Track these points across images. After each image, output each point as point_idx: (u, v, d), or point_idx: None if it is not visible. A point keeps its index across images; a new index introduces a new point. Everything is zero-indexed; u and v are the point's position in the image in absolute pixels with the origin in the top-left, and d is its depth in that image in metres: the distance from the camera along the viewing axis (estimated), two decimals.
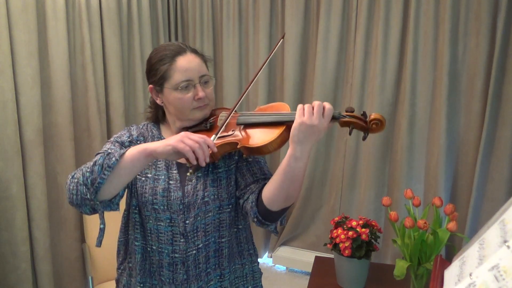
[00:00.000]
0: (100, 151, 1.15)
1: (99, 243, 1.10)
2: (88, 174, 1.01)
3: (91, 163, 1.03)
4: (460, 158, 2.53)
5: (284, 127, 1.06)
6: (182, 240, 1.16)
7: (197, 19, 3.05)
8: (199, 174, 1.19)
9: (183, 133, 1.02)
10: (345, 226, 1.62)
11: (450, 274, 0.80)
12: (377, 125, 1.03)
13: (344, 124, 1.05)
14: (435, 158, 2.54)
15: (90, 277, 2.06)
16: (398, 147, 2.65)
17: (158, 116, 1.28)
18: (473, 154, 2.46)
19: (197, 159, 0.99)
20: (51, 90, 2.26)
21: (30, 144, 2.11)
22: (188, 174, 1.01)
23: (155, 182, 1.18)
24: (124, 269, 1.29)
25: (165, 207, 1.16)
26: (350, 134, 1.05)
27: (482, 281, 0.61)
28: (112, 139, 1.22)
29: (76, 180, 1.04)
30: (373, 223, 1.65)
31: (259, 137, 1.08)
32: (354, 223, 1.61)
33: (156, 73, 1.16)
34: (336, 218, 1.71)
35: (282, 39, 1.26)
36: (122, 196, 1.11)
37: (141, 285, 1.23)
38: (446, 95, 2.43)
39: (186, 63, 1.14)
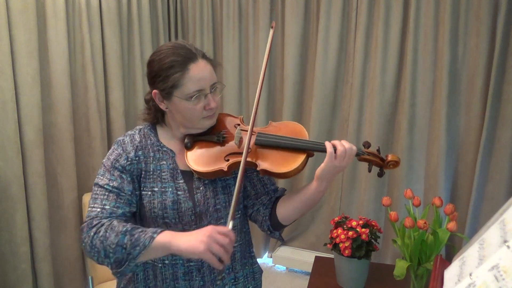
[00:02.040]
0: (99, 183, 1.11)
1: None
2: (111, 254, 1.01)
3: (114, 240, 1.00)
4: (460, 158, 2.53)
5: (305, 155, 1.10)
6: None
7: (197, 19, 3.05)
8: (206, 181, 1.16)
9: (208, 234, 0.96)
10: (345, 226, 1.62)
11: (450, 274, 0.80)
12: (394, 166, 1.14)
13: (362, 160, 1.14)
14: (435, 158, 2.54)
15: (90, 277, 2.06)
16: (398, 147, 2.65)
17: (157, 118, 1.22)
18: (473, 154, 2.46)
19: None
20: (51, 90, 2.26)
21: (30, 144, 2.11)
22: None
23: (163, 195, 1.13)
24: (128, 283, 1.23)
25: (177, 220, 1.13)
26: (369, 171, 1.14)
27: (482, 281, 0.61)
28: (109, 164, 1.13)
29: (97, 250, 1.02)
30: (373, 223, 1.65)
31: (279, 162, 1.10)
32: (354, 223, 1.61)
33: (167, 81, 1.08)
34: (336, 218, 1.71)
35: (272, 29, 1.20)
36: None
37: None
38: (446, 95, 2.43)
39: (199, 72, 1.08)
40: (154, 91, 1.13)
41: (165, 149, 1.18)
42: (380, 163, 1.14)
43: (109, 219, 1.06)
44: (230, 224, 1.01)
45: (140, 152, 1.16)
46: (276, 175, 1.10)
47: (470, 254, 0.76)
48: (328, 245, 1.67)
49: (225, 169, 1.10)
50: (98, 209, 1.08)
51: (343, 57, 2.76)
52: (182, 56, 1.08)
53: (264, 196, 1.20)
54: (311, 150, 1.11)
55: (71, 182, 2.35)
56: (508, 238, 0.65)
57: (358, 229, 1.59)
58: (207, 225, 1.12)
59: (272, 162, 1.10)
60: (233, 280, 1.24)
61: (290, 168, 1.08)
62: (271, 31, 1.18)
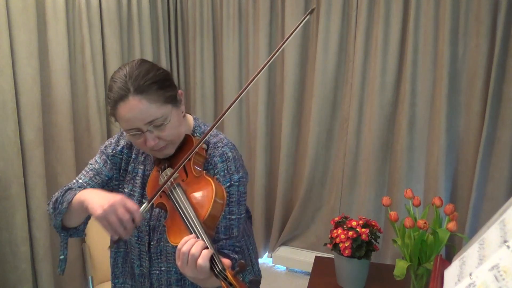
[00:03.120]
0: (89, 161, 1.21)
1: (61, 272, 1.14)
2: (51, 210, 1.10)
3: (58, 194, 1.11)
4: (460, 158, 2.53)
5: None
6: (147, 258, 1.17)
7: (197, 19, 3.05)
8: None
9: (112, 202, 0.93)
10: (345, 226, 1.62)
11: (450, 274, 0.80)
12: None
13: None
14: (435, 158, 2.54)
15: (90, 277, 2.06)
16: (398, 147, 2.65)
17: None
18: (473, 154, 2.46)
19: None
20: (51, 90, 2.26)
21: (30, 144, 2.10)
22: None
23: (129, 198, 1.13)
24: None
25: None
26: None
27: (482, 281, 0.61)
28: (102, 148, 1.21)
29: (49, 207, 1.13)
30: (373, 223, 1.65)
31: (173, 229, 0.99)
32: (354, 223, 1.61)
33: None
34: (336, 218, 1.71)
35: (310, 14, 1.09)
36: (87, 223, 1.18)
37: (124, 285, 1.27)
38: (446, 95, 2.43)
39: (127, 112, 0.98)
40: None
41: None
42: None
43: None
44: (143, 206, 0.98)
45: (126, 150, 1.20)
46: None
47: (470, 254, 0.76)
48: (328, 245, 1.67)
49: (154, 204, 1.05)
50: (74, 181, 1.18)
51: (343, 57, 2.76)
52: (115, 92, 1.00)
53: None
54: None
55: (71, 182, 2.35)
56: (508, 238, 0.65)
57: (358, 229, 1.59)
58: (157, 240, 1.13)
59: (171, 224, 1.00)
60: None
61: (175, 242, 0.94)
62: (309, 16, 1.07)
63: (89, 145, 2.47)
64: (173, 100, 1.05)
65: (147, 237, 1.15)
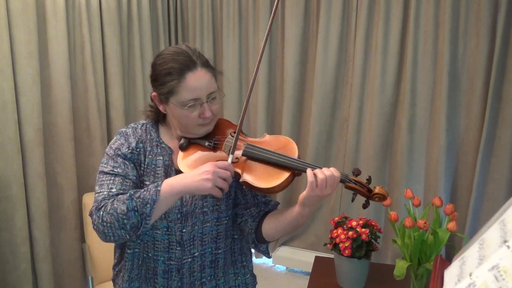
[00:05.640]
0: (104, 170, 1.12)
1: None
2: (125, 220, 1.01)
3: (123, 208, 1.01)
4: (460, 158, 2.53)
5: (289, 173, 1.07)
6: (178, 248, 1.16)
7: (197, 19, 3.05)
8: None
9: (211, 171, 1.01)
10: (345, 226, 1.62)
11: (450, 274, 0.80)
12: (379, 199, 1.09)
13: (348, 188, 1.09)
14: (435, 158, 2.54)
15: (90, 277, 2.06)
16: (398, 147, 2.65)
17: (158, 116, 1.24)
18: (473, 154, 2.46)
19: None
20: (51, 90, 2.26)
21: (30, 144, 2.10)
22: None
23: None
24: (119, 270, 1.27)
25: (162, 216, 1.13)
26: (352, 201, 1.10)
27: (482, 281, 0.61)
28: (111, 152, 1.15)
29: (109, 225, 1.02)
30: (373, 223, 1.65)
31: (263, 177, 1.07)
32: (354, 223, 1.61)
33: (163, 86, 1.09)
34: (336, 218, 1.71)
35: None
36: None
37: None
38: (446, 95, 2.43)
39: (196, 81, 1.07)
40: (154, 93, 1.15)
41: (163, 145, 1.19)
42: (366, 194, 1.08)
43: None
44: (229, 158, 1.07)
45: (140, 145, 1.18)
46: (258, 190, 1.08)
47: (470, 254, 0.76)
48: (328, 245, 1.67)
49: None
50: (105, 192, 1.07)
51: (343, 57, 2.76)
52: (180, 63, 1.07)
53: (253, 207, 1.19)
54: (295, 169, 1.07)
55: (71, 182, 2.35)
56: (508, 238, 0.65)
57: (358, 229, 1.59)
58: (191, 225, 1.15)
59: (255, 176, 1.07)
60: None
61: (271, 184, 1.05)
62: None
63: (89, 145, 2.47)
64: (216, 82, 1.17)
65: (179, 225, 1.15)
